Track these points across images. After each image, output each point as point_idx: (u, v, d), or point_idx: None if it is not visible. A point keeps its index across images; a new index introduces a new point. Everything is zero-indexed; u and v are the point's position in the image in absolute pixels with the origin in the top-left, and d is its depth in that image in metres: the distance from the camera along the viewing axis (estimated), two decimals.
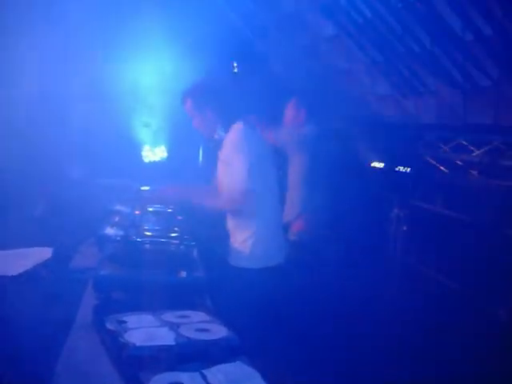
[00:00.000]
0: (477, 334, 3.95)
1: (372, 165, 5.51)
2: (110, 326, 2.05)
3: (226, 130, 3.30)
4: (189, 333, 2.01)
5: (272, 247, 3.29)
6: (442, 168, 4.91)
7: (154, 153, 6.11)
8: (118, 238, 3.05)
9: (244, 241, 3.23)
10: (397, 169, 5.28)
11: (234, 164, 3.16)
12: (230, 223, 3.35)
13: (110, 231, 3.26)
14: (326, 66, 5.48)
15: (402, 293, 4.86)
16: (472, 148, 4.50)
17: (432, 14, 3.74)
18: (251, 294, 3.03)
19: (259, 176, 3.17)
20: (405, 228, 5.18)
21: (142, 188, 4.97)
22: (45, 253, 2.95)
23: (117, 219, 3.57)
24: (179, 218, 3.69)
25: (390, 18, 4.13)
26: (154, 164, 6.13)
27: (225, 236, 3.41)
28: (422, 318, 4.48)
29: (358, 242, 5.42)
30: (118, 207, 3.92)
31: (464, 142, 4.59)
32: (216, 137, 3.37)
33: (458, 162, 4.70)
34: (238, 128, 3.27)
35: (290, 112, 4.81)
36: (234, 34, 6.12)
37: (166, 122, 5.90)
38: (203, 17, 5.65)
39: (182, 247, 2.96)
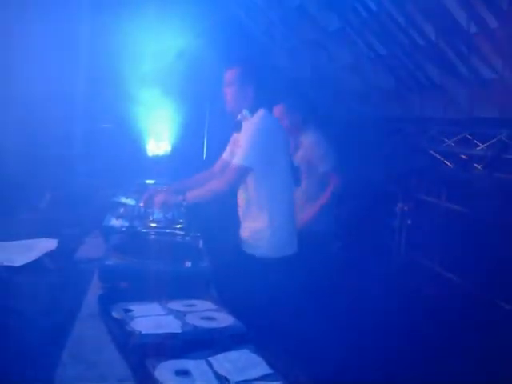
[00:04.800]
0: (480, 328, 3.95)
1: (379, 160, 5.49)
2: (116, 314, 2.06)
3: (253, 112, 3.30)
4: (195, 321, 2.01)
5: (287, 236, 3.31)
6: (446, 162, 4.89)
7: (158, 147, 6.12)
8: (123, 229, 3.05)
9: (261, 229, 3.23)
10: (401, 163, 5.27)
11: (244, 142, 3.18)
12: (243, 211, 3.35)
13: (115, 223, 3.27)
14: (331, 60, 5.47)
15: (407, 286, 4.86)
16: (477, 142, 4.49)
17: (437, 7, 3.73)
18: (265, 283, 3.03)
19: (273, 163, 3.19)
20: (409, 222, 5.18)
21: (147, 181, 4.98)
22: (50, 244, 2.96)
23: (122, 211, 3.58)
24: (183, 210, 3.69)
25: (395, 11, 4.12)
26: (157, 158, 6.15)
27: (233, 225, 3.42)
28: (426, 312, 4.48)
29: (363, 235, 5.43)
30: (123, 200, 3.93)
31: (469, 136, 4.58)
32: (239, 117, 3.37)
33: (463, 156, 4.69)
34: (261, 113, 3.27)
35: (280, 119, 4.61)
36: (240, 29, 6.12)
37: (170, 117, 5.91)
38: (208, 11, 5.65)
39: (187, 238, 2.96)
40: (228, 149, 3.62)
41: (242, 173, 3.17)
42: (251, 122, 3.27)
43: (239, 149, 3.21)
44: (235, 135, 3.45)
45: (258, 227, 3.24)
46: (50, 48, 4.88)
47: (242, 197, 3.32)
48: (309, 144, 4.38)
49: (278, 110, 4.37)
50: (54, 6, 5.01)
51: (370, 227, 5.38)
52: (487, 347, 3.75)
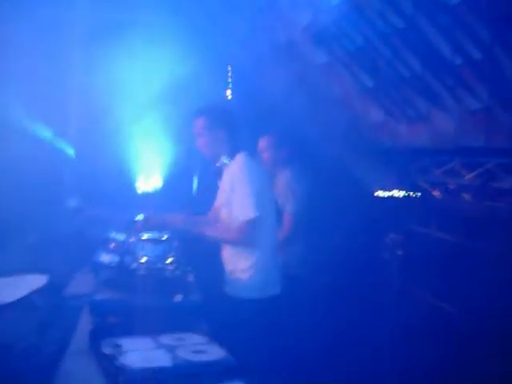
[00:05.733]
0: (475, 357, 3.92)
1: (368, 192, 5.52)
2: (105, 349, 2.03)
3: (231, 157, 3.29)
4: (186, 354, 1.99)
5: (271, 276, 3.28)
6: (435, 192, 4.92)
7: (147, 182, 6.11)
8: (113, 265, 3.03)
9: (244, 270, 3.20)
10: (391, 194, 5.29)
11: (239, 193, 3.16)
12: (228, 252, 3.32)
13: (105, 258, 3.25)
14: (319, 94, 5.53)
15: (400, 318, 4.82)
16: (464, 171, 4.52)
17: (422, 40, 3.79)
18: (250, 324, 3.01)
19: (261, 205, 3.17)
20: (400, 253, 5.17)
21: (137, 217, 4.95)
22: (38, 280, 2.92)
23: (112, 246, 3.56)
24: (175, 244, 3.68)
25: (381, 44, 4.19)
26: (148, 194, 6.13)
27: (221, 264, 3.39)
28: (421, 342, 4.45)
29: (354, 267, 5.41)
30: (113, 235, 3.90)
31: (456, 166, 4.61)
32: (218, 164, 3.36)
33: (450, 186, 4.72)
34: (242, 157, 3.27)
35: (264, 151, 4.58)
36: (231, 62, 6.19)
37: (161, 149, 5.92)
38: (198, 45, 5.72)
39: (177, 272, 2.95)
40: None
41: (252, 226, 3.15)
42: (233, 168, 3.26)
43: (239, 203, 3.18)
44: (219, 182, 3.43)
45: (244, 268, 3.22)
46: (35, 88, 4.91)
47: None
48: (281, 182, 4.39)
49: (263, 141, 4.39)
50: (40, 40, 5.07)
51: (360, 260, 5.37)
52: (483, 376, 3.72)
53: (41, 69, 5.17)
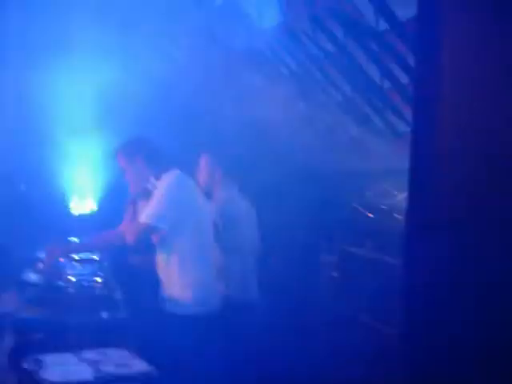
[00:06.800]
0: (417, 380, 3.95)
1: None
2: (26, 365, 1.99)
3: (158, 177, 3.29)
4: (108, 368, 1.96)
5: (210, 292, 3.28)
6: (368, 214, 5.02)
7: (82, 204, 6.02)
8: (40, 282, 2.97)
9: (183, 287, 3.19)
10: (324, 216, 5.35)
11: (151, 203, 3.16)
12: (166, 269, 3.30)
13: (32, 277, 3.18)
14: (253, 118, 5.58)
15: (339, 340, 4.84)
16: (395, 192, 4.64)
17: (352, 64, 3.91)
18: (186, 338, 2.98)
19: (185, 222, 3.16)
20: (335, 274, 5.23)
21: (71, 239, 4.86)
22: None
23: (40, 266, 3.48)
24: (105, 264, 3.64)
25: (313, 68, 4.29)
26: (82, 216, 6.03)
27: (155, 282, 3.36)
28: (362, 366, 4.47)
29: (288, 290, 5.42)
30: (42, 255, 3.82)
31: (387, 188, 4.73)
32: (149, 186, 3.35)
33: (383, 207, 4.83)
34: (171, 174, 3.26)
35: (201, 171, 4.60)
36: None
37: (95, 171, 5.84)
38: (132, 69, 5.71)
39: (105, 290, 2.91)
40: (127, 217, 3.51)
41: (148, 231, 3.14)
42: (160, 184, 3.27)
43: (146, 209, 3.15)
44: (141, 203, 3.41)
45: (180, 285, 3.21)
46: None
47: (160, 256, 3.29)
48: (218, 200, 4.37)
49: (203, 159, 4.36)
50: None
51: (295, 281, 5.39)
52: None
53: None
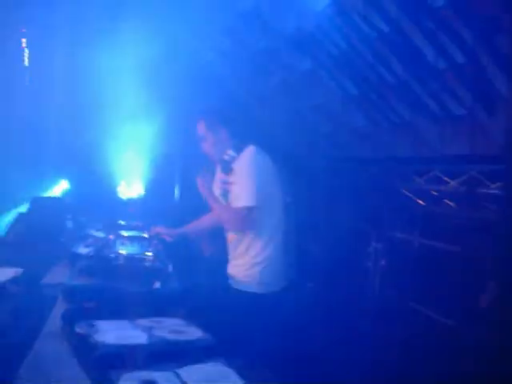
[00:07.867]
0: (462, 366, 3.87)
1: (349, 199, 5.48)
2: (79, 329, 1.97)
3: (239, 151, 3.28)
4: (162, 333, 1.94)
5: (280, 272, 3.27)
6: (418, 200, 4.90)
7: (130, 188, 6.06)
8: (91, 254, 2.98)
9: (254, 265, 3.18)
10: (373, 202, 5.26)
11: (241, 184, 3.14)
12: (238, 246, 3.28)
13: (83, 250, 3.20)
14: (300, 101, 5.51)
15: (386, 327, 4.77)
16: (447, 179, 4.51)
17: (405, 44, 3.79)
18: (250, 318, 2.97)
19: (268, 201, 3.16)
20: (383, 262, 5.14)
21: (120, 222, 4.90)
22: (13, 272, 2.87)
23: (91, 241, 3.51)
24: (155, 242, 3.63)
25: (364, 49, 4.19)
26: (130, 200, 6.07)
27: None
28: (408, 352, 4.40)
29: (337, 278, 5.36)
30: (93, 232, 3.86)
31: (439, 174, 4.60)
32: (226, 157, 3.34)
33: (434, 193, 4.70)
34: (250, 150, 3.26)
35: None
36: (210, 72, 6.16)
37: (142, 156, 5.89)
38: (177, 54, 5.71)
39: (156, 263, 2.90)
40: (216, 190, 3.53)
41: (249, 213, 3.14)
42: (243, 160, 3.25)
43: (238, 189, 3.18)
44: (223, 176, 3.39)
45: (250, 263, 3.20)
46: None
47: (231, 233, 3.29)
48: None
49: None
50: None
51: (343, 269, 5.32)
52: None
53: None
